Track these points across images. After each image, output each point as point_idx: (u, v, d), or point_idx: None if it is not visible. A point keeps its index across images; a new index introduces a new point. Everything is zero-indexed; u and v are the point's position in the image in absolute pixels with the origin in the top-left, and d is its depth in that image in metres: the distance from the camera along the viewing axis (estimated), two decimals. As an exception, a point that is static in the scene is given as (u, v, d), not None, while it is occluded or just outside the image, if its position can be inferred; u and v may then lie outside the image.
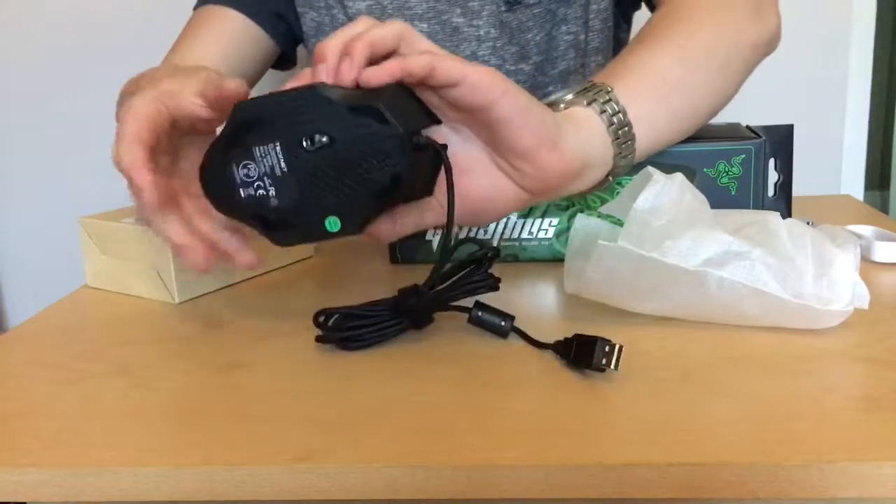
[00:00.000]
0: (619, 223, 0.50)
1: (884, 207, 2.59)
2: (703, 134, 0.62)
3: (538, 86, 0.87)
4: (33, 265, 1.50)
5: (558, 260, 0.62)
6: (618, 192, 0.60)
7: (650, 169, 0.49)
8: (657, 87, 0.54)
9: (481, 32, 0.83)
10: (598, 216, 0.57)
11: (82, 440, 0.38)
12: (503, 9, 0.81)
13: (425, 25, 0.84)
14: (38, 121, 1.43)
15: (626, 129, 0.51)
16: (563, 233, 0.61)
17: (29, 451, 0.37)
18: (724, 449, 0.34)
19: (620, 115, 0.51)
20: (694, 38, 0.57)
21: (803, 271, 0.45)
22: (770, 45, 0.64)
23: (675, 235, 0.46)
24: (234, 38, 0.82)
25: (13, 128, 1.44)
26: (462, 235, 0.62)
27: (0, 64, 1.41)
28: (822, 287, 0.45)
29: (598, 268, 0.47)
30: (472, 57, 0.84)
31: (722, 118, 0.64)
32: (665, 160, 0.59)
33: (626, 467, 0.34)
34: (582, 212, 0.60)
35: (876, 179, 2.81)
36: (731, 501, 0.37)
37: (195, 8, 0.85)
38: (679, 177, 0.48)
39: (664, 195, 0.47)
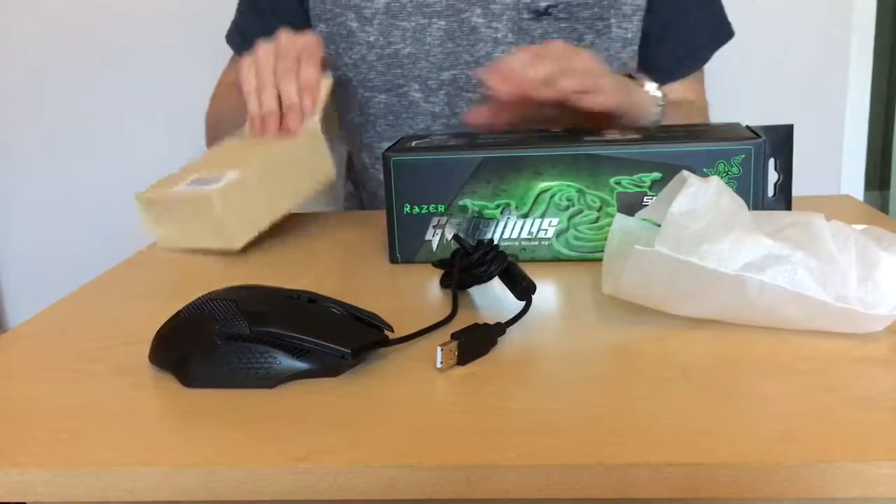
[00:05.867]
0: (658, 225, 0.50)
1: (884, 207, 2.59)
2: (704, 134, 0.62)
3: None
4: (33, 265, 1.50)
5: (558, 260, 0.62)
6: (616, 192, 0.60)
7: (685, 173, 0.48)
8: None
9: (499, 35, 0.84)
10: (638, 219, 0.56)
11: (82, 440, 0.38)
12: (526, 17, 0.82)
13: (443, 23, 0.84)
14: (38, 121, 1.43)
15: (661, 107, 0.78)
16: (562, 233, 0.61)
17: (29, 451, 0.37)
18: (723, 449, 0.34)
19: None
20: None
21: (847, 274, 0.44)
22: None
23: (712, 239, 0.45)
24: None
25: (13, 127, 1.44)
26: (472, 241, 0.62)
27: (0, 64, 1.41)
28: (867, 290, 0.44)
29: (634, 272, 0.46)
30: (487, 58, 0.84)
31: (722, 118, 0.64)
32: (665, 160, 0.59)
33: (626, 467, 0.34)
34: (581, 212, 0.60)
35: (876, 179, 2.80)
36: (730, 501, 0.37)
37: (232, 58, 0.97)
38: (715, 179, 0.48)
39: (700, 198, 0.46)
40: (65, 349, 0.50)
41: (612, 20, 0.84)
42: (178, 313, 0.47)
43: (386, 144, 0.89)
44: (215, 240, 0.67)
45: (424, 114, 0.88)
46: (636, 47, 0.87)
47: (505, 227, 0.62)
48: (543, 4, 0.82)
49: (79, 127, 1.41)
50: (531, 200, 0.61)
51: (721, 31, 0.91)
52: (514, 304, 0.52)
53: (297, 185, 0.73)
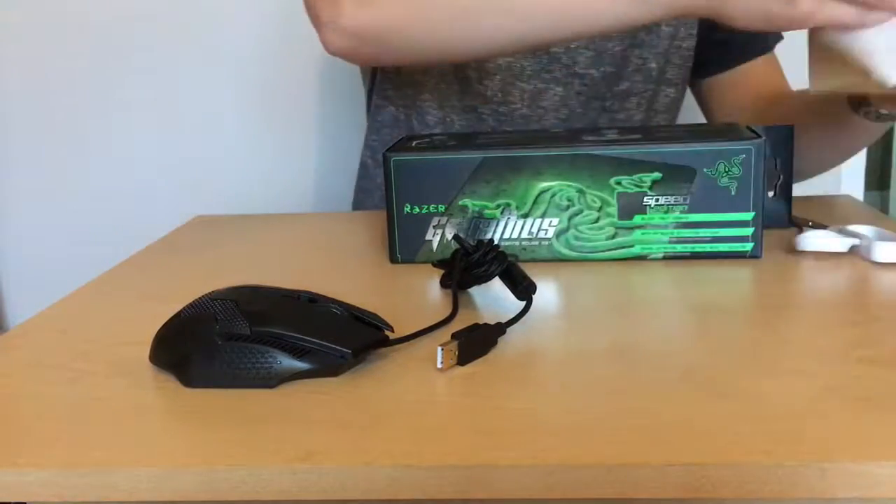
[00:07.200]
0: None
1: (884, 207, 2.58)
2: (704, 134, 0.62)
3: (598, 96, 0.87)
4: (33, 265, 1.50)
5: (558, 260, 0.62)
6: (616, 192, 0.60)
7: None
8: None
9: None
10: None
11: (82, 440, 0.38)
12: None
13: None
14: (37, 121, 1.43)
15: None
16: (563, 233, 0.61)
17: (29, 451, 0.37)
18: (724, 449, 0.34)
19: None
20: None
21: None
22: None
23: None
24: None
25: (13, 128, 1.44)
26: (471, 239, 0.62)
27: (0, 64, 1.41)
28: None
29: None
30: (545, 52, 0.84)
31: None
32: (665, 160, 0.59)
33: (626, 467, 0.34)
34: (581, 212, 0.60)
35: (876, 179, 2.80)
36: (731, 501, 0.37)
37: None
38: None
39: None
40: (65, 349, 0.50)
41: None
42: (178, 313, 0.47)
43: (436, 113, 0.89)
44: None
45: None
46: (678, 42, 0.88)
47: (505, 227, 0.62)
48: None
49: (79, 127, 1.42)
50: (531, 200, 0.61)
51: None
52: (514, 304, 0.52)
53: None
